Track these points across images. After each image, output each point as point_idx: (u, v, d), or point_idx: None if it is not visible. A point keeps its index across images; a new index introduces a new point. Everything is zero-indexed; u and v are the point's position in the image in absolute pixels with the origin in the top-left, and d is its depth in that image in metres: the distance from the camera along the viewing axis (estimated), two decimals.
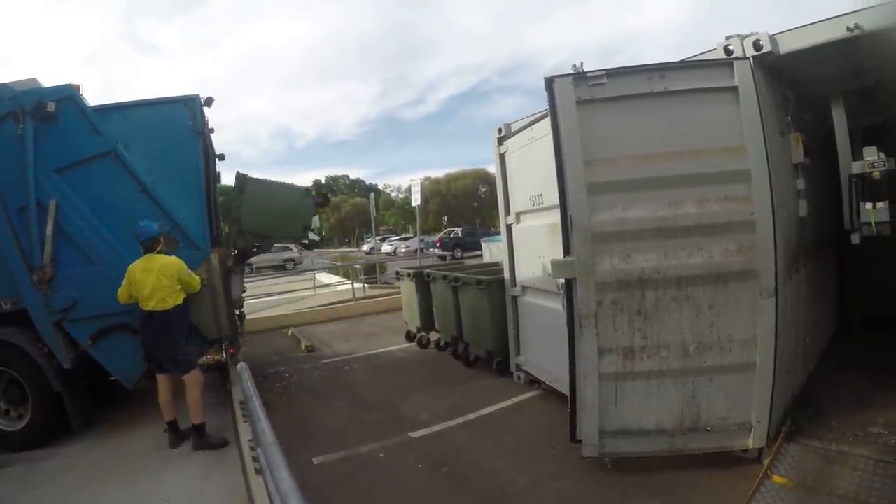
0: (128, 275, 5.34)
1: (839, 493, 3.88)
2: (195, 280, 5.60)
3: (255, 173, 7.26)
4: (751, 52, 4.35)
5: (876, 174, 5.05)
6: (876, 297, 6.96)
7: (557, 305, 5.39)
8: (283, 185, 7.64)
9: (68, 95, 5.89)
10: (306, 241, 7.72)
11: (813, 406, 5.19)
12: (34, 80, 6.06)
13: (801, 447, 4.53)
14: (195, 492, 4.63)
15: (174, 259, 5.45)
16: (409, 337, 10.26)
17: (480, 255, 18.51)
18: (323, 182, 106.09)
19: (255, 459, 3.99)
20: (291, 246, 42.80)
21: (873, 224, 5.08)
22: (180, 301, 5.47)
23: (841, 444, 4.50)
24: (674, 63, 4.59)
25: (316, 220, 7.82)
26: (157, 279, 5.27)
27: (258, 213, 7.10)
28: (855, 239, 5.30)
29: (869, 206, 5.11)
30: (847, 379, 5.79)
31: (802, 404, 5.22)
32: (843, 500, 3.80)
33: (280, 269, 33.79)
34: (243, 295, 8.77)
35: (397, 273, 11.15)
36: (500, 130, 7.16)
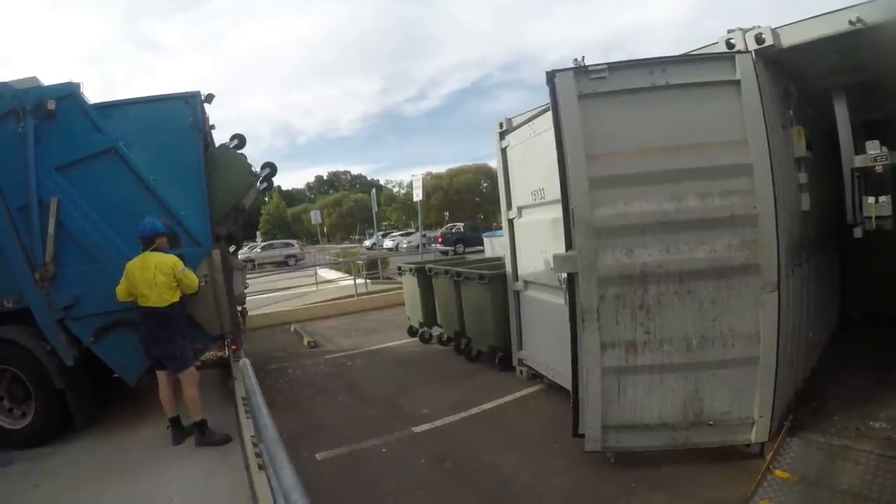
0: (126, 272, 5.35)
1: (841, 487, 3.88)
2: (192, 279, 5.58)
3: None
4: (753, 46, 4.33)
5: (878, 168, 5.02)
6: (877, 293, 6.94)
7: (560, 300, 5.40)
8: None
9: (69, 93, 5.88)
10: (266, 183, 7.56)
11: (815, 401, 5.19)
12: (34, 78, 6.05)
13: (803, 442, 4.53)
14: (198, 488, 4.64)
15: (170, 256, 5.45)
16: (412, 332, 10.28)
17: (482, 250, 18.49)
18: (325, 177, 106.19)
19: (258, 455, 3.99)
20: (293, 242, 42.92)
21: (873, 218, 5.05)
22: (177, 298, 5.47)
23: (843, 438, 4.50)
24: (675, 57, 4.57)
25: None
26: (153, 276, 5.28)
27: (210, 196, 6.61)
28: (857, 233, 5.29)
29: (871, 200, 5.08)
30: (849, 374, 5.78)
31: (805, 399, 5.22)
32: (846, 494, 3.80)
33: (282, 265, 33.88)
34: (245, 291, 8.79)
35: (399, 268, 11.15)
36: (501, 125, 7.15)
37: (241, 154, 7.25)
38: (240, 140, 7.35)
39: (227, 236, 7.31)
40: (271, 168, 7.82)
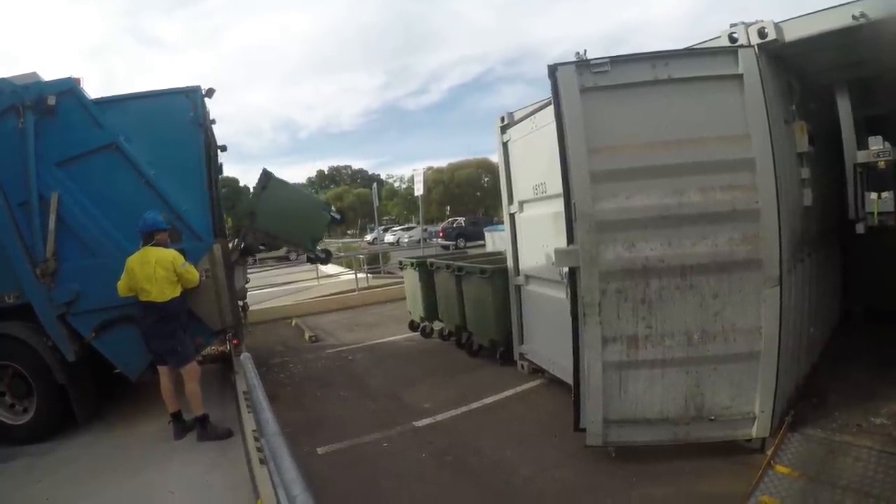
0: (126, 267, 5.35)
1: (842, 483, 3.89)
2: (193, 274, 5.59)
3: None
4: (755, 40, 4.31)
5: (881, 164, 5.01)
6: (879, 289, 6.93)
7: (561, 294, 5.39)
8: (304, 192, 7.84)
9: (68, 89, 5.86)
10: (312, 255, 7.84)
11: (816, 396, 5.19)
12: (34, 73, 6.02)
13: (804, 437, 4.53)
14: (200, 482, 4.65)
15: (171, 251, 5.46)
16: (413, 326, 10.29)
17: (483, 245, 18.47)
18: (326, 172, 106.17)
19: (259, 449, 3.99)
20: None
21: (876, 214, 5.04)
22: (178, 293, 5.47)
23: (844, 434, 4.51)
24: (678, 50, 4.55)
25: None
26: (154, 271, 5.28)
27: (274, 213, 7.16)
28: (859, 229, 5.28)
29: (874, 195, 5.07)
30: (850, 370, 5.78)
31: (806, 394, 5.22)
32: (846, 490, 3.80)
33: (283, 259, 33.85)
34: (246, 286, 8.79)
35: (400, 263, 11.15)
36: (502, 119, 7.12)
37: (333, 218, 7.71)
38: (340, 217, 7.81)
39: (246, 248, 7.44)
40: (327, 254, 8.19)
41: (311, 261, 7.98)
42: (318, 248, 7.93)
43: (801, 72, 5.18)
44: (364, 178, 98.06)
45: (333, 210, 7.87)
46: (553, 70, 4.47)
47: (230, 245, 7.06)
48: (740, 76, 4.28)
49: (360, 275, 16.69)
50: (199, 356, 6.60)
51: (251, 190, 7.75)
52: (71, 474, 5.00)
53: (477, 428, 5.71)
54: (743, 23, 4.39)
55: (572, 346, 4.66)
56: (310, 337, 10.61)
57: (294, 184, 7.89)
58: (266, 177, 7.30)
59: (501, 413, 6.06)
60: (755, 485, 3.98)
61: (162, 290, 5.32)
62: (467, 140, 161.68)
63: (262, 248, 7.70)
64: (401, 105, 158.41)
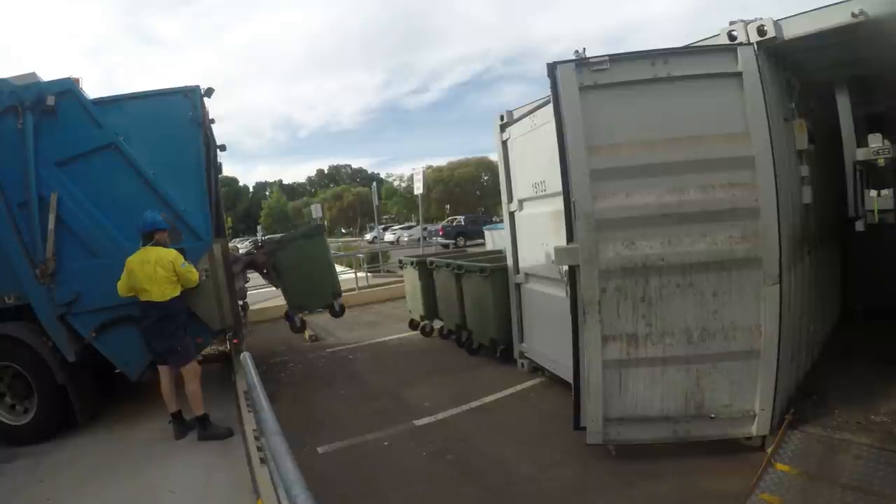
0: (126, 267, 5.35)
1: (842, 481, 3.88)
2: (193, 274, 5.59)
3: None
4: (755, 38, 4.30)
5: (881, 161, 5.01)
6: (879, 286, 6.94)
7: (561, 293, 5.40)
8: (332, 270, 8.00)
9: (67, 89, 5.84)
10: (289, 315, 7.82)
11: (816, 394, 5.18)
12: (33, 74, 6.01)
13: (804, 435, 4.53)
14: (201, 482, 4.65)
15: (171, 251, 5.47)
16: (413, 325, 10.29)
17: (483, 243, 18.47)
18: (325, 171, 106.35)
19: (259, 449, 4.00)
20: None
21: (877, 212, 5.04)
22: (178, 293, 5.48)
23: (844, 432, 4.50)
24: (677, 49, 4.54)
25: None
26: (154, 271, 5.29)
27: (295, 261, 7.43)
28: (859, 226, 5.28)
29: (874, 193, 5.07)
30: (850, 367, 5.78)
31: (806, 392, 5.22)
32: (846, 487, 3.80)
33: None
34: (246, 285, 8.81)
35: (400, 262, 11.16)
36: (502, 118, 7.12)
37: (333, 308, 7.93)
38: (341, 310, 8.06)
39: (252, 261, 7.60)
40: (302, 324, 8.21)
41: (285, 317, 8.02)
42: (300, 315, 8.02)
43: (800, 69, 5.17)
44: (364, 177, 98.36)
45: (339, 302, 7.99)
46: (552, 68, 4.47)
47: (238, 251, 7.08)
48: (739, 74, 4.28)
49: (360, 274, 16.69)
50: (200, 356, 6.60)
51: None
52: (72, 475, 5.00)
53: (477, 427, 5.72)
54: (742, 20, 4.38)
55: (572, 345, 4.66)
56: (310, 336, 10.60)
57: (330, 255, 8.22)
58: (318, 229, 7.73)
59: (501, 412, 6.07)
60: (755, 483, 3.98)
61: (162, 290, 5.32)
62: (467, 139, 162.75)
63: (264, 272, 7.72)
64: (401, 104, 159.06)
